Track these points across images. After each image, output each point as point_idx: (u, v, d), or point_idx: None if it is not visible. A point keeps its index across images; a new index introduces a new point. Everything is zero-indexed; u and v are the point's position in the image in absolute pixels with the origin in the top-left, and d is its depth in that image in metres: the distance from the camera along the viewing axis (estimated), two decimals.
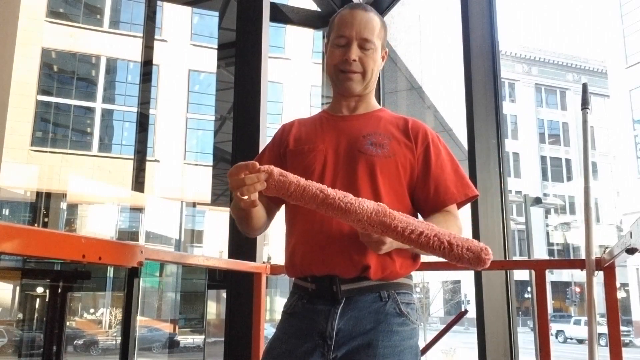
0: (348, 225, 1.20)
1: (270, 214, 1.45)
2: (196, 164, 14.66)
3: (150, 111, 11.28)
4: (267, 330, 2.07)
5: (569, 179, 34.52)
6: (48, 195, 11.72)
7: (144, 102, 6.00)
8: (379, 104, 1.51)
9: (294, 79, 16.40)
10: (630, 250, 1.23)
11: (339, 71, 1.40)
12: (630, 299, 22.14)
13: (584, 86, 1.98)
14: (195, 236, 13.93)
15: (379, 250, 1.19)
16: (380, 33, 1.41)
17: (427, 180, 1.35)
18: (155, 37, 7.49)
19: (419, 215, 1.39)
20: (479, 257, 1.06)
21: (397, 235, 1.09)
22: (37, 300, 8.48)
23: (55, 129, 14.50)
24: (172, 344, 11.18)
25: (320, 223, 1.29)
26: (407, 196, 1.35)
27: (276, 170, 1.10)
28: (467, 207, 1.47)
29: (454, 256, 1.08)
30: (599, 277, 1.74)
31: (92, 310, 12.45)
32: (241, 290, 2.68)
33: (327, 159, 1.35)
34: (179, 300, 11.90)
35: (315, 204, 1.10)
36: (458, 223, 1.35)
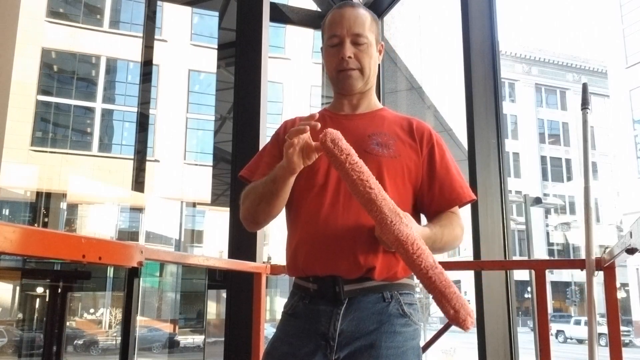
0: (352, 225, 1.21)
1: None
2: (196, 164, 14.63)
3: (150, 111, 11.27)
4: (267, 330, 2.07)
5: (569, 179, 34.49)
6: (48, 195, 11.70)
7: (144, 102, 6.00)
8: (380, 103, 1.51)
9: (294, 79, 16.38)
10: (630, 250, 1.22)
11: (337, 71, 1.39)
12: (630, 299, 22.11)
13: (584, 86, 1.98)
14: (195, 236, 13.91)
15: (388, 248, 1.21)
16: (372, 27, 1.40)
17: (432, 181, 1.35)
18: (155, 37, 7.48)
19: (421, 216, 1.40)
20: (462, 319, 1.08)
21: (414, 268, 1.11)
22: (37, 300, 8.46)
23: (55, 129, 14.47)
24: (172, 344, 11.17)
25: (325, 223, 1.28)
26: (410, 197, 1.35)
27: (329, 136, 1.13)
28: (467, 207, 1.47)
29: (445, 301, 1.09)
30: (599, 277, 1.74)
31: (92, 310, 12.43)
32: (241, 290, 2.68)
33: None
34: (179, 300, 11.89)
35: (356, 193, 1.13)
36: (460, 222, 1.36)
